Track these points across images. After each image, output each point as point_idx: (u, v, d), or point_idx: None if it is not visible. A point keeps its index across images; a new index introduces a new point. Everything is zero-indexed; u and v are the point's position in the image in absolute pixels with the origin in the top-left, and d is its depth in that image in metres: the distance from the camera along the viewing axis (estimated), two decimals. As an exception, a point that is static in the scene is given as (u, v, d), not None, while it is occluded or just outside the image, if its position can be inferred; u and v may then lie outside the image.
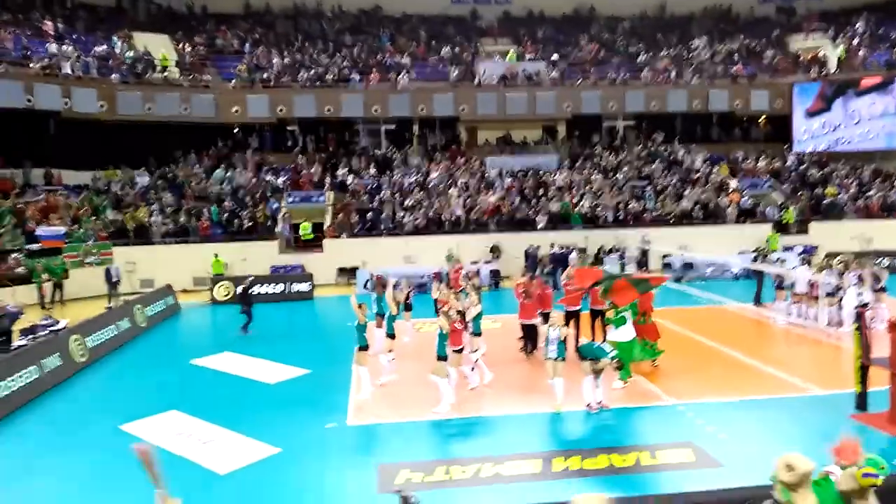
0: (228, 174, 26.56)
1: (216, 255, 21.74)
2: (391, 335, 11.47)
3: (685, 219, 25.04)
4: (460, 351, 10.24)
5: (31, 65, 24.55)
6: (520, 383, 11.04)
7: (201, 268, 21.83)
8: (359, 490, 7.24)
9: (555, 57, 31.47)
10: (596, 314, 12.76)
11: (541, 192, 26.38)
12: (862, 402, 9.16)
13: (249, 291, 15.97)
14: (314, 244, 23.66)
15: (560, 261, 19.96)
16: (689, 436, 8.59)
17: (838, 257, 15.68)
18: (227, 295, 20.01)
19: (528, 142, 30.61)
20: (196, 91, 27.43)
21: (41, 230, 20.93)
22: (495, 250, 23.10)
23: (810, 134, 30.23)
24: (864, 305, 9.91)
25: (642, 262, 21.62)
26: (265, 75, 28.70)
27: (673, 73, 30.81)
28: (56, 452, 8.74)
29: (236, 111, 27.63)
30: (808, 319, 14.52)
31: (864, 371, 9.13)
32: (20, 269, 20.16)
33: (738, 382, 10.87)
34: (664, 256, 22.22)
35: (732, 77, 30.87)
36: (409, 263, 22.38)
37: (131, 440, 8.74)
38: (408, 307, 14.07)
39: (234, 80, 28.17)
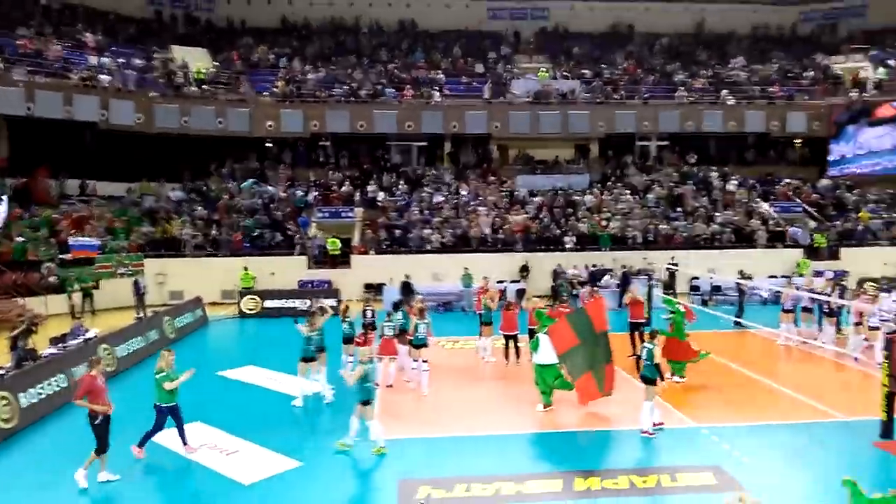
0: (261, 188, 27.03)
1: (245, 269, 22.10)
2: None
3: (715, 241, 24.70)
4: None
5: (70, 76, 25.41)
6: (536, 400, 10.95)
7: (230, 281, 22.21)
8: (378, 504, 7.27)
9: (588, 74, 31.52)
10: (635, 327, 13.49)
11: (570, 211, 26.31)
12: (888, 429, 8.92)
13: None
14: (342, 260, 23.90)
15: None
16: (712, 459, 8.45)
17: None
18: (253, 308, 20.30)
19: (559, 161, 30.57)
20: (232, 105, 28.08)
21: (74, 241, 21.44)
22: (524, 270, 23.06)
23: (846, 157, 29.69)
24: (895, 332, 9.64)
25: (669, 284, 21.35)
26: (300, 89, 29.23)
27: (709, 93, 30.58)
28: (81, 461, 8.88)
29: (270, 126, 28.18)
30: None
31: (890, 398, 8.91)
32: (52, 279, 20.70)
33: (763, 407, 10.69)
34: (692, 279, 21.89)
35: (769, 98, 30.52)
36: (437, 281, 22.46)
37: (157, 450, 8.92)
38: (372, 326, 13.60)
39: (268, 94, 28.71)
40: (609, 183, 28.72)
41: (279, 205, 26.15)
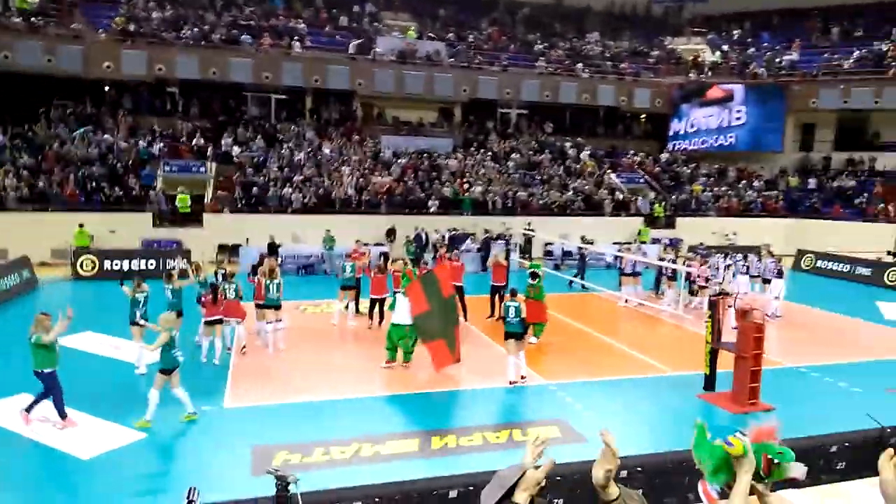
0: (97, 137, 24.45)
1: (81, 226, 20.00)
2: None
3: (567, 208, 26.21)
4: (215, 322, 10.97)
5: None
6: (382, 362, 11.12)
7: (62, 238, 20.00)
8: (231, 473, 7.02)
9: (453, 38, 31.64)
10: (496, 290, 14.35)
11: (434, 175, 26.56)
12: (710, 382, 10.10)
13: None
14: (192, 218, 22.41)
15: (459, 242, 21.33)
16: (558, 413, 9.09)
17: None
18: (91, 269, 18.56)
19: (423, 123, 30.63)
20: (63, 41, 24.90)
21: None
22: (391, 234, 23.02)
23: (679, 133, 32.60)
24: (719, 294, 10.85)
25: (526, 248, 22.39)
26: (142, 28, 26.55)
27: (566, 66, 31.95)
28: None
29: (108, 66, 25.32)
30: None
31: (713, 354, 10.07)
32: None
33: (604, 364, 11.66)
34: (546, 244, 23.13)
35: (619, 73, 32.50)
36: (297, 243, 21.82)
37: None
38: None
39: (105, 31, 25.81)
40: (472, 148, 29.31)
41: (119, 155, 23.85)
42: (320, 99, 29.78)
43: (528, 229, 22.42)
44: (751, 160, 32.41)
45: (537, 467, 2.16)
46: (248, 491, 6.11)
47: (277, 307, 11.77)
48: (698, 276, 15.67)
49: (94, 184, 22.07)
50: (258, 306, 12.05)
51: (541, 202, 26.12)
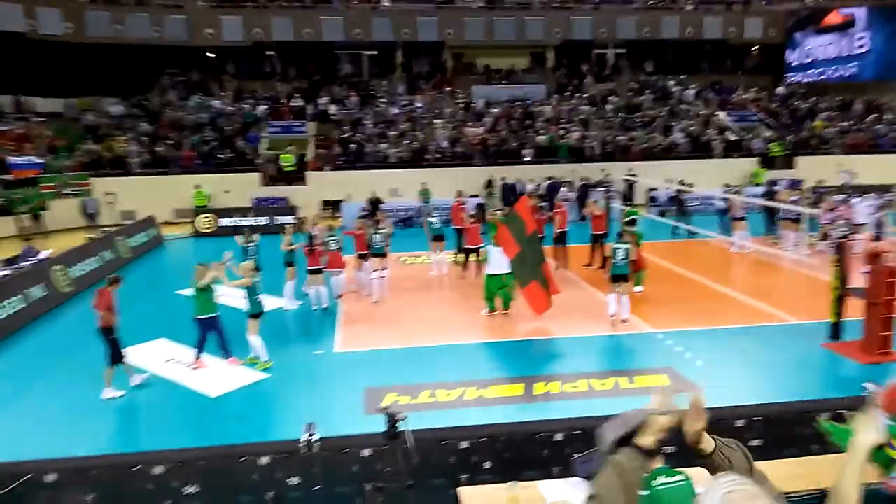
0: (207, 102, 25.80)
1: (198, 187, 21.39)
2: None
3: (672, 152, 24.94)
4: (317, 272, 11.32)
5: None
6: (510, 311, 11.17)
7: (183, 199, 21.52)
8: (346, 411, 7.39)
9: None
10: (596, 238, 13.98)
11: (528, 123, 26.01)
12: (835, 331, 9.38)
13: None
14: (296, 176, 23.33)
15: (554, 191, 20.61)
16: (667, 362, 8.81)
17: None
18: (209, 227, 19.82)
19: (515, 70, 29.90)
20: (168, 11, 26.21)
21: (15, 160, 20.34)
22: (489, 185, 22.89)
23: (793, 65, 29.86)
24: (845, 237, 10.01)
25: (628, 195, 21.62)
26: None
27: None
28: (47, 378, 8.80)
29: (210, 34, 26.52)
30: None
31: (839, 301, 9.31)
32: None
33: (716, 312, 11.10)
34: (650, 190, 22.21)
35: (727, 3, 30.08)
36: (395, 197, 22.22)
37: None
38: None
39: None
40: (566, 93, 28.36)
41: (226, 119, 25.07)
42: (410, 53, 29.73)
43: (630, 175, 21.58)
44: (881, 91, 29.25)
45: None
46: (362, 428, 6.41)
47: (382, 256, 12.16)
48: (838, 219, 14.42)
49: (206, 147, 23.40)
50: (361, 256, 12.45)
51: (642, 146, 24.99)
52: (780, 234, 15.92)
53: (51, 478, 5.06)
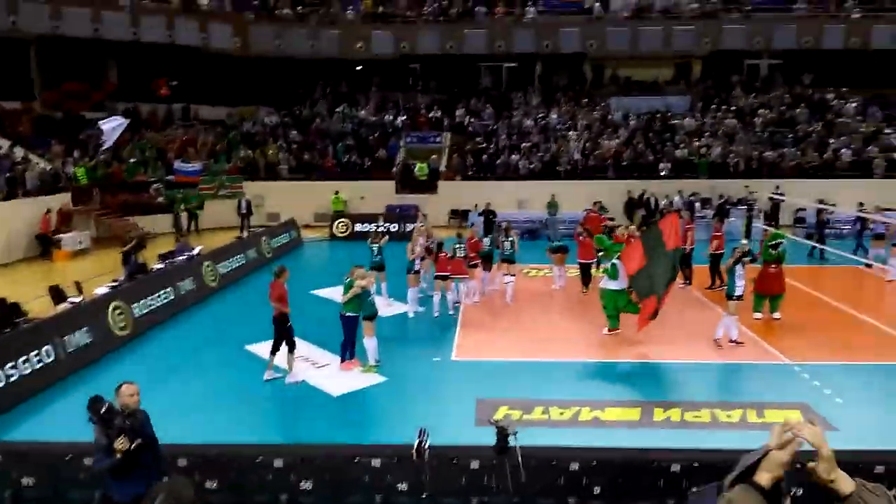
0: (351, 113, 27.33)
1: (336, 193, 22.72)
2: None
3: (825, 170, 22.81)
4: (443, 278, 11.88)
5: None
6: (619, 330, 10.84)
7: (322, 204, 22.95)
8: (458, 421, 7.52)
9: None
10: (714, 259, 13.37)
11: (667, 136, 24.99)
12: None
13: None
14: (429, 185, 24.06)
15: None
16: (802, 397, 8.13)
17: None
18: (345, 231, 20.96)
19: (658, 82, 28.80)
20: (322, 27, 28.15)
21: (178, 165, 22.60)
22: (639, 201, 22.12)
23: None
24: None
25: (772, 215, 20.10)
26: (388, 9, 28.66)
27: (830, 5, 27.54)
28: (189, 365, 9.75)
29: (360, 47, 28.06)
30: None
31: None
32: (160, 199, 22.13)
33: (863, 346, 10.10)
34: (798, 210, 20.46)
35: (901, 9, 27.12)
36: (522, 208, 22.25)
37: (253, 359, 9.60)
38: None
39: (354, 12, 28.27)
40: (712, 105, 26.88)
41: (368, 129, 26.41)
42: (550, 65, 29.62)
43: (776, 193, 20.05)
44: None
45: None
46: (471, 439, 6.49)
47: (512, 262, 12.82)
48: None
49: (348, 156, 24.80)
50: (472, 265, 12.77)
51: (792, 163, 23.11)
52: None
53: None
